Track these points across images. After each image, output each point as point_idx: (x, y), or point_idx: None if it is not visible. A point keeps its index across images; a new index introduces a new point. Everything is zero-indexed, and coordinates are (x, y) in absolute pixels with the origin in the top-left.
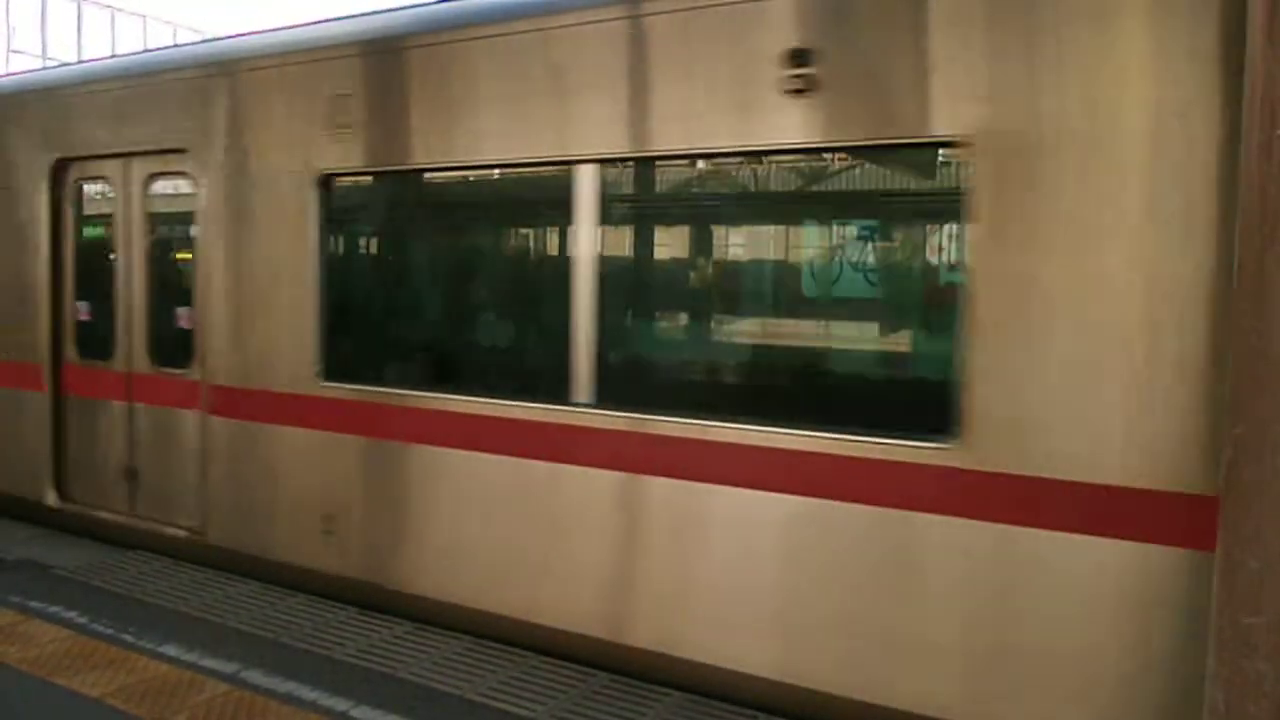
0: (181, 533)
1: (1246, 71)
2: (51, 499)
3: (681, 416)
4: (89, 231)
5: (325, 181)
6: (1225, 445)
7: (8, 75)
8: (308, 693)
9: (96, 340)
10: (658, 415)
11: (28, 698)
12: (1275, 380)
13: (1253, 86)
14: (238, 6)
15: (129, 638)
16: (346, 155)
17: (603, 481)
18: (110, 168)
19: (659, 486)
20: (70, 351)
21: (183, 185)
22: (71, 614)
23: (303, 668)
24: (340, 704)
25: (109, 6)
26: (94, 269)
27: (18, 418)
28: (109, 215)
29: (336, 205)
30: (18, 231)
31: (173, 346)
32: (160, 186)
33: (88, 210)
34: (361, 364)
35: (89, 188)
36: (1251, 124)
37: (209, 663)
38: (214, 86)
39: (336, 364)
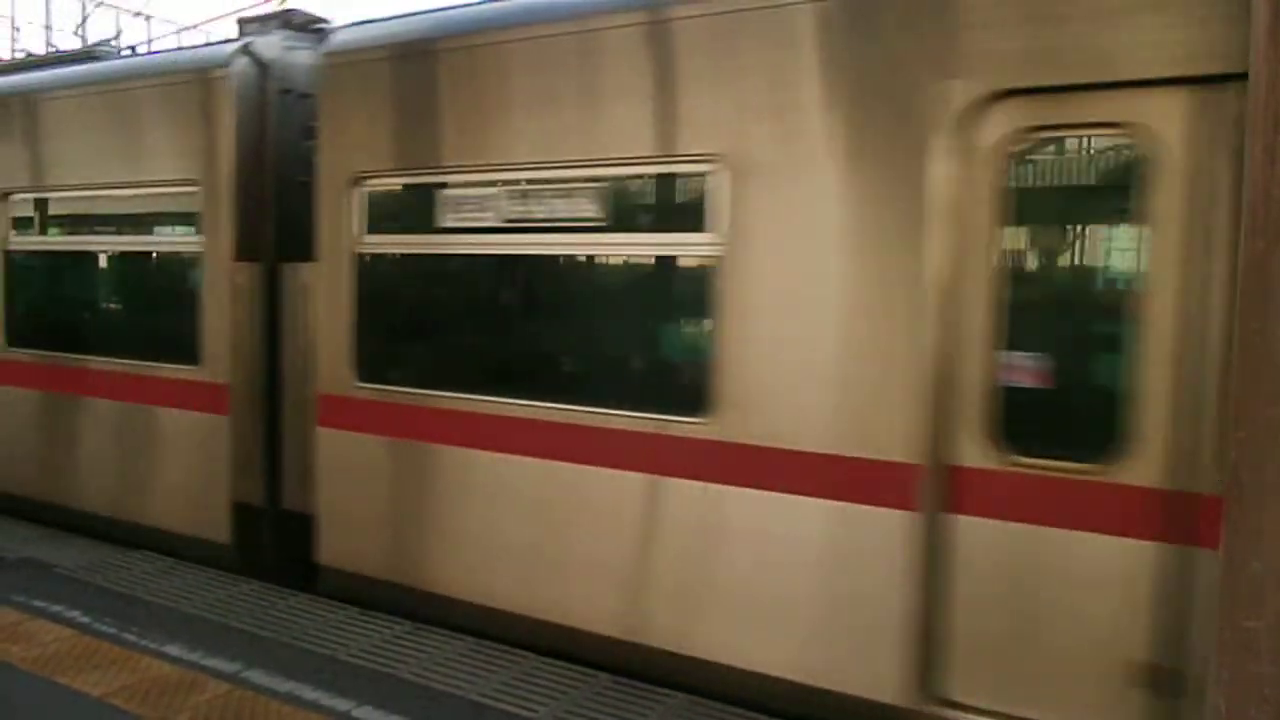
0: None
1: (1251, 75)
2: (903, 698)
3: None
4: (1037, 222)
5: None
6: (1229, 448)
7: None
8: (309, 692)
9: (1056, 425)
10: None
11: (30, 697)
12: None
13: (1257, 90)
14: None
15: (131, 637)
16: None
17: None
18: (1138, 108)
19: None
20: (975, 442)
21: None
22: (74, 613)
23: (304, 667)
24: (342, 704)
25: (113, 6)
26: (1050, 290)
27: (801, 558)
28: (1115, 191)
29: None
30: (843, 215)
31: None
32: None
33: (1030, 180)
34: None
35: (1051, 149)
36: (1256, 127)
37: (211, 662)
38: None
39: None
